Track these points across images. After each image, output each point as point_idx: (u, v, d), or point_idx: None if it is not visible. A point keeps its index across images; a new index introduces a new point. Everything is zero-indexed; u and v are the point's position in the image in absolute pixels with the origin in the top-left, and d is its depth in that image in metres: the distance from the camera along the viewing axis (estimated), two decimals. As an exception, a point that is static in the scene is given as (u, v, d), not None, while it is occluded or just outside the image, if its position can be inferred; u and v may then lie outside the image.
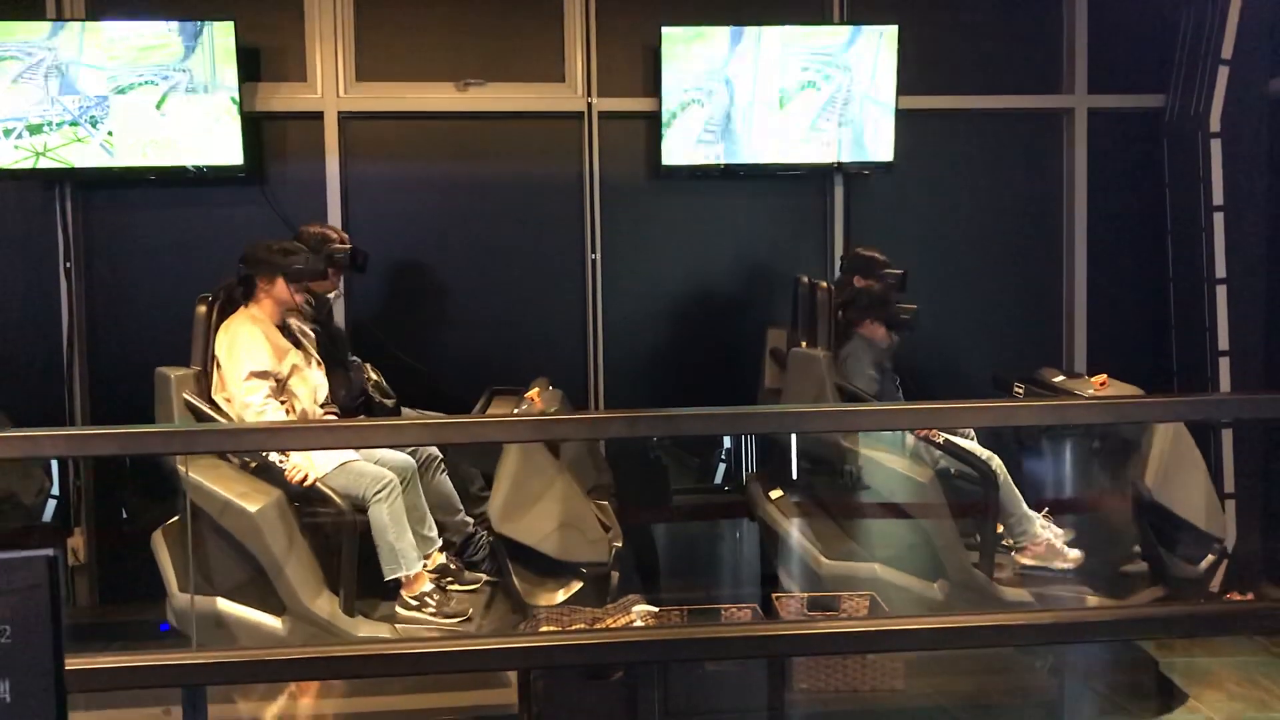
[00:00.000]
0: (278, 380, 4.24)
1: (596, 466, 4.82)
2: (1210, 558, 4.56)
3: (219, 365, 4.23)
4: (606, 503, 4.53)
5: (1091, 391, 4.79)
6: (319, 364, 4.46)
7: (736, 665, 3.96)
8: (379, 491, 4.06)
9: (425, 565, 4.19)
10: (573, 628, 3.85)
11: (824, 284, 4.86)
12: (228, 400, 4.19)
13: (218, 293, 4.35)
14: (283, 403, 4.22)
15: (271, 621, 3.99)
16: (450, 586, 4.24)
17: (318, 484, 4.04)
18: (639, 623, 3.84)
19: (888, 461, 4.53)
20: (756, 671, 3.94)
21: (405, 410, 4.71)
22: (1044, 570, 4.63)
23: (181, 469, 3.91)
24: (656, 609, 3.97)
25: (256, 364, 4.18)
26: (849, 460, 4.61)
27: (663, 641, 3.11)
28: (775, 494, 4.96)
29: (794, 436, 4.91)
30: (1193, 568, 4.53)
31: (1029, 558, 4.65)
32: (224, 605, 4.01)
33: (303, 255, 4.36)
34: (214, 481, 3.95)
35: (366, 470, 4.10)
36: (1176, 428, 4.53)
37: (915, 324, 5.00)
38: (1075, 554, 4.68)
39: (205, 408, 4.11)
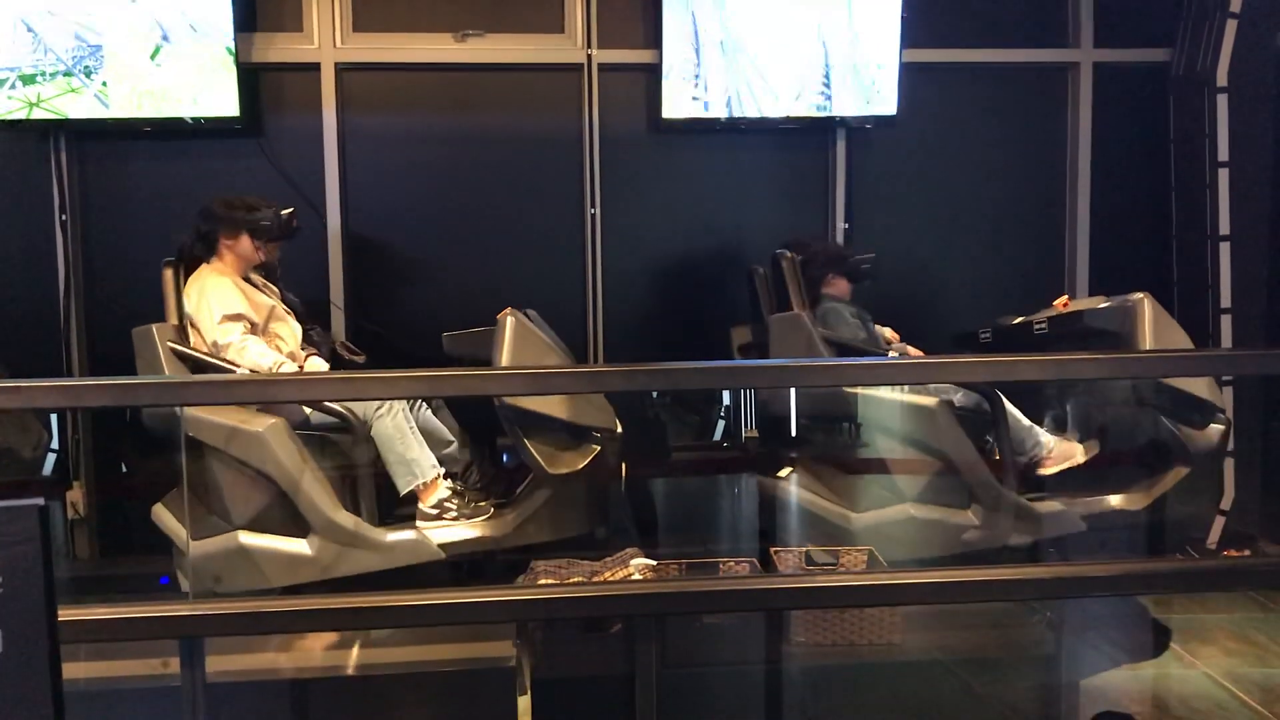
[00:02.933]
0: (252, 325, 4.26)
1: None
2: (1219, 427, 4.58)
3: (193, 322, 4.24)
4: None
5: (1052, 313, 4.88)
6: (289, 312, 4.50)
7: (734, 618, 3.98)
8: (379, 407, 4.07)
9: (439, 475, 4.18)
10: (570, 581, 3.86)
11: (788, 254, 4.88)
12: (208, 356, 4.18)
13: (180, 254, 4.38)
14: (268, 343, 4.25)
15: (297, 545, 3.99)
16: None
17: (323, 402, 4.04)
18: (637, 576, 3.85)
19: (892, 397, 4.51)
20: (754, 625, 3.96)
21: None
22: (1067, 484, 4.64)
23: (178, 409, 3.88)
24: (654, 562, 3.98)
25: (228, 308, 4.22)
26: (851, 408, 4.61)
27: (661, 595, 3.13)
28: (783, 472, 4.90)
29: (793, 408, 4.87)
30: (1205, 436, 4.56)
31: (1049, 466, 4.63)
32: (246, 539, 4.01)
33: (269, 213, 4.37)
34: (217, 414, 3.96)
35: None
36: (1155, 312, 4.58)
37: (875, 271, 5.16)
38: (1087, 445, 4.70)
39: (194, 354, 4.13)
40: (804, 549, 4.37)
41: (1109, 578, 3.14)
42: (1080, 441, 4.74)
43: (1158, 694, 4.12)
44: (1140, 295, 4.63)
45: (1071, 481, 4.62)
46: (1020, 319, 5.04)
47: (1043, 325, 4.81)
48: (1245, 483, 5.46)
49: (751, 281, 5.23)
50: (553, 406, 4.09)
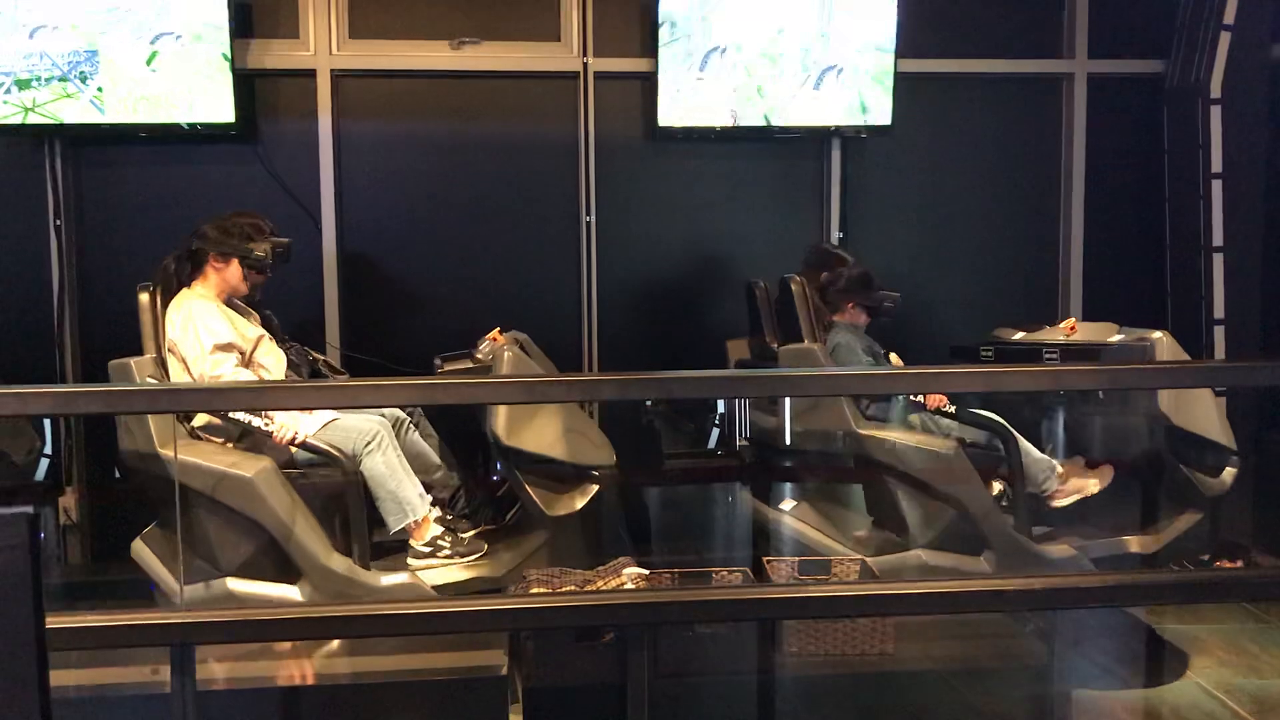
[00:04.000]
0: (242, 353, 4.14)
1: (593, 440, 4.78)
2: (1232, 470, 4.59)
3: (174, 351, 4.09)
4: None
5: (1062, 338, 4.82)
6: (270, 338, 4.37)
7: (727, 628, 3.97)
8: (369, 443, 3.97)
9: (431, 512, 4.10)
10: (563, 590, 3.86)
11: (796, 278, 4.75)
12: None
13: (157, 276, 4.22)
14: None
15: (288, 591, 3.91)
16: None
17: (308, 440, 3.96)
18: (629, 585, 3.85)
19: (906, 440, 4.41)
20: (747, 634, 3.95)
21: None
22: (1080, 508, 4.60)
23: (167, 453, 3.80)
24: (647, 571, 3.97)
25: (219, 336, 4.07)
26: (861, 450, 4.51)
27: (653, 604, 3.12)
28: (788, 504, 4.81)
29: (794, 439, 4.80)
30: (1218, 481, 4.57)
31: (1062, 498, 4.59)
32: (235, 585, 3.91)
33: (266, 245, 4.22)
34: (204, 457, 3.87)
35: (352, 424, 4.00)
36: (1174, 350, 4.57)
37: (896, 312, 4.99)
38: (1099, 475, 4.67)
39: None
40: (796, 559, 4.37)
41: (1102, 589, 3.14)
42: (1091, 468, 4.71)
43: (1150, 705, 4.11)
44: (1159, 334, 4.59)
45: (1083, 525, 4.58)
46: (1020, 334, 5.00)
47: (1054, 354, 4.76)
48: (1239, 494, 5.45)
49: (751, 296, 5.17)
50: (551, 446, 4.04)
